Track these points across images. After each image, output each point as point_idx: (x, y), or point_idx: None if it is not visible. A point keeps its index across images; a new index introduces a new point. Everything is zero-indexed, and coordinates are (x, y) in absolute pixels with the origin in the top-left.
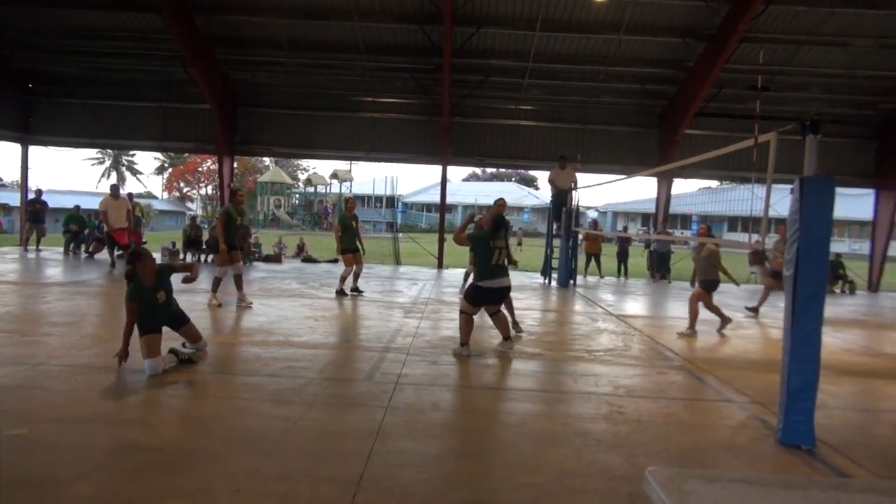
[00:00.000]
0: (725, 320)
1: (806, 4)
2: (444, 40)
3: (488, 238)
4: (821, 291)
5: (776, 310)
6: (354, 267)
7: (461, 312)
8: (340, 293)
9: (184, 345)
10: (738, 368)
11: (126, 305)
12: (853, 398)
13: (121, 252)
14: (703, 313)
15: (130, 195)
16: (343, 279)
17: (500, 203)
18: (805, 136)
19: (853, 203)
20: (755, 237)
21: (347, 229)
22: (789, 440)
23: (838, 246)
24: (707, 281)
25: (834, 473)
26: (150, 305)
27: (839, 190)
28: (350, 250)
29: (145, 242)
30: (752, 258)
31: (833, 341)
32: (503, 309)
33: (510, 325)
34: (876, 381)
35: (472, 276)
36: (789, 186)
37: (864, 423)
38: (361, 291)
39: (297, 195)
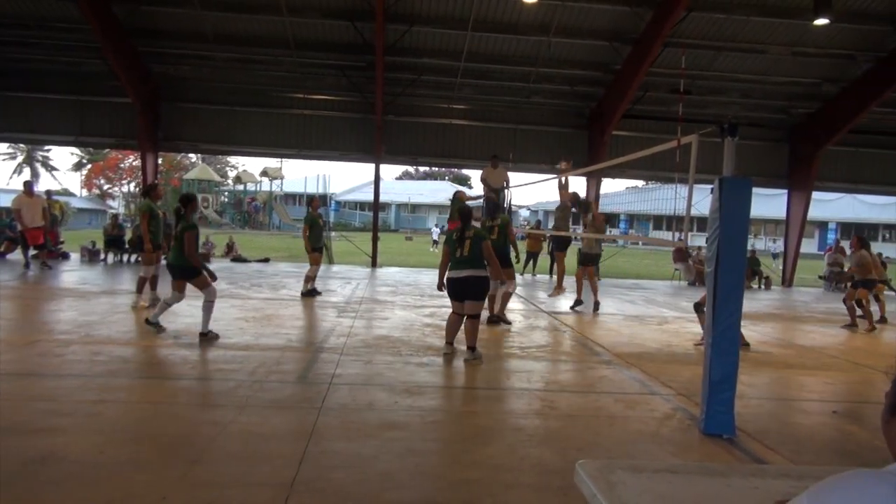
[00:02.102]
0: (557, 290)
1: (724, 12)
2: (376, 38)
3: (454, 235)
4: (739, 286)
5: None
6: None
7: (451, 311)
8: (308, 294)
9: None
10: (663, 362)
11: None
12: (769, 388)
13: (36, 252)
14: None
15: (49, 192)
16: (309, 279)
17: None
18: (724, 138)
19: (768, 203)
20: (679, 235)
21: (314, 228)
22: (711, 430)
23: (760, 244)
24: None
25: (752, 460)
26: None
27: (755, 190)
28: (317, 249)
29: (62, 242)
30: (676, 255)
31: (751, 334)
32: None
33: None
34: (789, 372)
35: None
36: (710, 186)
37: (779, 412)
38: (318, 293)
39: (226, 193)
